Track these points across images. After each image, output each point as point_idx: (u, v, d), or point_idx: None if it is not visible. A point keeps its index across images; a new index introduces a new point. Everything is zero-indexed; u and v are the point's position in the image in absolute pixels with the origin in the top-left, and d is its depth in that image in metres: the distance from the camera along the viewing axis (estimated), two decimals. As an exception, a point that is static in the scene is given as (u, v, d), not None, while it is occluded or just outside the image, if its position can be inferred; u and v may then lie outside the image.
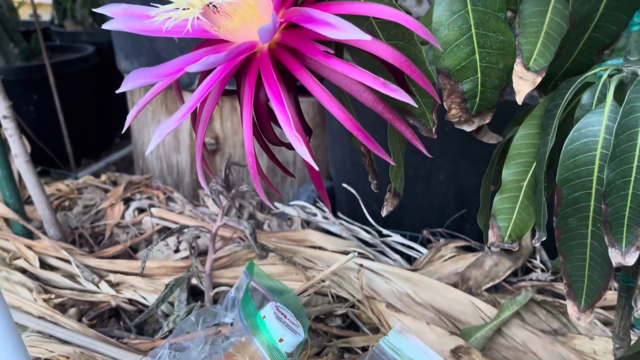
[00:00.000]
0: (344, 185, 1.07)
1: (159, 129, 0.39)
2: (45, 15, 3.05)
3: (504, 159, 0.49)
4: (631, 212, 0.39)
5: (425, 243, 0.98)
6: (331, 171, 1.37)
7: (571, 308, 0.45)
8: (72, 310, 0.80)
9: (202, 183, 0.42)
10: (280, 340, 0.56)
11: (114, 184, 1.18)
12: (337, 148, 1.25)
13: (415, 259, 0.94)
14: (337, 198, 1.27)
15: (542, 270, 0.87)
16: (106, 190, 1.14)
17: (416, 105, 0.39)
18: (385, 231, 0.99)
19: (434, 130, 0.44)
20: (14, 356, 0.52)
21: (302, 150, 0.36)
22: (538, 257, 0.88)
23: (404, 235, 0.99)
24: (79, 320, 0.79)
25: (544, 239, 0.48)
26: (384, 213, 0.56)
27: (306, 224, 1.03)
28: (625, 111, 0.38)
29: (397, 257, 0.93)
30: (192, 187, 1.49)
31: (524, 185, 0.48)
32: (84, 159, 1.99)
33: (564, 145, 0.41)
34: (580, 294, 0.44)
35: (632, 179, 0.38)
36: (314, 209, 1.05)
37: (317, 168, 0.37)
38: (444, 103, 0.44)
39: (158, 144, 0.38)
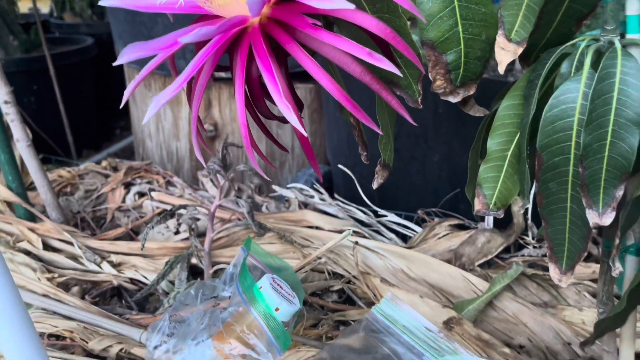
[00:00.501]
0: (340, 166, 1.09)
1: (154, 100, 0.40)
2: (44, 7, 3.06)
3: (490, 130, 0.51)
4: (607, 175, 0.40)
5: (420, 223, 1.00)
6: (329, 156, 1.39)
7: (553, 271, 0.47)
8: (75, 289, 0.82)
9: (198, 155, 0.43)
10: (276, 309, 0.58)
11: (115, 169, 1.20)
12: (334, 133, 1.27)
13: (410, 237, 0.96)
14: (335, 182, 1.29)
15: (534, 247, 0.88)
16: (107, 176, 1.16)
17: (402, 75, 0.41)
18: (381, 211, 1.01)
19: (419, 100, 0.46)
20: (22, 332, 0.53)
21: (291, 117, 0.38)
22: (530, 233, 0.90)
23: (399, 215, 1.01)
24: (82, 298, 0.81)
25: (527, 206, 0.50)
26: (374, 186, 0.57)
27: (304, 205, 1.05)
28: (601, 77, 0.39)
29: (392, 236, 0.95)
30: (191, 173, 1.51)
31: (508, 155, 0.50)
32: (85, 150, 2.01)
33: (544, 112, 0.43)
34: (562, 256, 0.46)
35: (608, 142, 0.40)
36: (312, 192, 1.07)
37: (306, 134, 0.39)
38: (429, 74, 0.45)
39: (153, 114, 0.40)
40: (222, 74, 1.35)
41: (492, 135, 0.50)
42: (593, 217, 0.41)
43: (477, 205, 0.51)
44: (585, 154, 0.40)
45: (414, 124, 0.43)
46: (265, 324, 0.57)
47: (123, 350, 0.66)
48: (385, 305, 0.57)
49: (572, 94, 0.42)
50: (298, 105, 0.49)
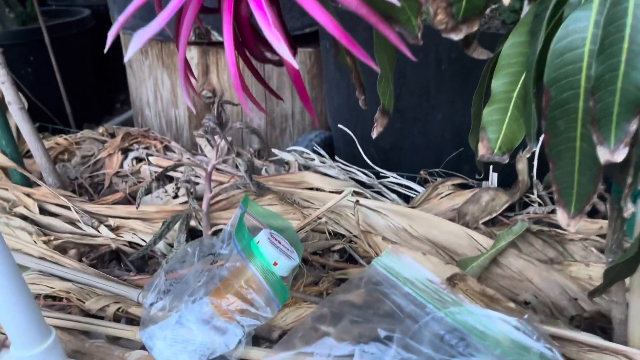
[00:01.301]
0: (340, 126, 1.07)
1: (137, 35, 0.38)
2: (40, -21, 2.99)
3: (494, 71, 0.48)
4: (620, 108, 0.38)
5: (422, 184, 0.98)
6: (329, 121, 1.36)
7: (561, 215, 0.45)
8: (72, 252, 0.81)
9: (188, 101, 0.41)
10: (275, 264, 0.57)
11: (112, 136, 1.18)
12: (334, 96, 1.24)
13: (412, 198, 0.94)
14: (336, 146, 1.27)
15: (540, 205, 0.86)
16: (104, 142, 1.14)
17: (399, 4, 0.39)
18: (383, 172, 0.98)
19: (419, 36, 0.43)
20: (14, 292, 0.52)
21: (281, 48, 0.35)
22: (535, 191, 0.87)
23: (401, 177, 0.99)
24: (79, 261, 0.79)
25: (534, 149, 0.47)
26: (374, 134, 0.55)
27: (304, 168, 1.03)
28: (613, 2, 0.37)
29: (394, 197, 0.93)
30: (191, 141, 1.49)
31: (513, 96, 0.47)
32: (85, 123, 1.99)
33: (552, 44, 0.40)
34: (570, 200, 0.44)
35: (621, 72, 0.37)
36: (312, 155, 1.05)
37: (296, 66, 0.37)
38: (430, 7, 0.43)
39: (136, 51, 0.38)
40: (220, 38, 1.32)
41: (496, 75, 0.47)
42: (604, 154, 0.39)
43: (481, 150, 0.48)
44: (596, 86, 0.38)
45: (413, 59, 0.40)
46: (264, 278, 0.56)
47: (120, 310, 0.65)
48: (386, 258, 0.55)
49: (582, 23, 0.39)
50: (291, 45, 0.46)
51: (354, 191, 0.87)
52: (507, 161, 0.48)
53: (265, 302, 0.56)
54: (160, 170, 1.03)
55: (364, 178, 0.97)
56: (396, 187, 0.96)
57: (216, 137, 0.74)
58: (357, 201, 0.80)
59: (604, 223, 0.78)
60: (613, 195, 0.51)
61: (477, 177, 0.94)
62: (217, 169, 1.03)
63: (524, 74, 0.46)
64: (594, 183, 0.42)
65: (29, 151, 1.16)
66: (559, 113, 0.42)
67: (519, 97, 0.47)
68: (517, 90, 0.47)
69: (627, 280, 0.56)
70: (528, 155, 0.49)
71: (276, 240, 0.59)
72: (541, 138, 0.48)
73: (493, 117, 0.48)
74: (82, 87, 1.99)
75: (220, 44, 1.37)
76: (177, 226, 0.80)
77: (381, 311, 0.52)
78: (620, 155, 0.38)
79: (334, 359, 0.47)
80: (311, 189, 0.93)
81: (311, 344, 0.48)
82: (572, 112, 0.41)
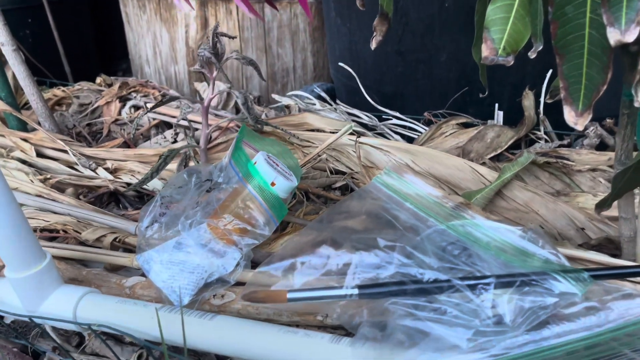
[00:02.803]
0: (341, 64, 1.04)
1: None
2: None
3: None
4: (632, -16, 0.36)
5: (427, 125, 0.96)
6: (331, 71, 1.33)
7: (568, 114, 0.43)
8: (70, 190, 0.80)
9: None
10: (272, 184, 0.55)
11: (110, 86, 1.16)
12: (336, 44, 1.21)
13: (416, 139, 0.92)
14: (337, 96, 1.24)
15: (546, 141, 0.84)
16: (102, 92, 1.12)
17: None
18: (386, 113, 0.96)
19: None
20: (5, 213, 0.51)
21: None
22: (542, 128, 0.85)
23: (404, 120, 0.96)
24: (77, 199, 0.78)
25: (540, 48, 0.45)
26: (373, 45, 0.53)
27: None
28: None
29: (398, 138, 0.92)
30: (191, 96, 1.47)
31: (519, -8, 0.45)
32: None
33: None
34: (578, 96, 0.42)
35: (634, -58, 0.35)
36: (314, 99, 1.03)
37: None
38: None
39: None
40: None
41: (501, -30, 0.45)
42: (615, 35, 0.36)
43: (485, 52, 0.46)
44: (607, -39, 0.36)
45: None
46: (261, 197, 0.54)
47: (117, 240, 0.64)
48: (387, 176, 0.54)
49: None
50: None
51: (355, 130, 0.85)
52: (511, 62, 0.46)
53: (263, 221, 0.54)
54: (159, 117, 1.01)
55: (366, 120, 0.95)
56: (399, 130, 0.94)
57: (212, 67, 0.72)
58: (359, 135, 0.78)
59: (612, 154, 0.75)
60: (622, 100, 0.48)
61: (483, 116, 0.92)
62: (216, 115, 1.01)
63: (531, -34, 0.44)
64: (603, 73, 0.40)
65: (26, 103, 1.15)
66: (567, -3, 0.40)
67: (525, -7, 0.44)
68: (523, -15, 0.44)
69: (637, 196, 0.54)
70: (534, 56, 0.46)
71: (273, 162, 0.57)
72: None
73: (497, 15, 0.45)
74: (83, 53, 1.97)
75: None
76: (175, 167, 0.78)
77: (381, 225, 0.50)
78: (631, 35, 0.36)
79: (333, 266, 0.45)
80: (312, 130, 0.91)
81: (306, 253, 0.46)
82: (581, -5, 0.39)
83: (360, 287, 0.44)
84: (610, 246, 0.65)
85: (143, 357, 0.57)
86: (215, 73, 0.73)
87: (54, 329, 0.59)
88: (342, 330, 0.53)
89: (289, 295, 0.45)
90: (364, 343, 0.43)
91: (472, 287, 0.43)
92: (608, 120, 0.84)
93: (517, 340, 0.39)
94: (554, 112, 0.89)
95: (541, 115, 0.85)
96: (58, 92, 1.14)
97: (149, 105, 1.02)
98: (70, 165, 0.87)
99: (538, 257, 0.44)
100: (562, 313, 0.40)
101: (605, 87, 0.41)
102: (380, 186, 0.53)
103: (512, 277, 0.43)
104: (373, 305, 0.45)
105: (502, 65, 0.45)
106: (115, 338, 0.58)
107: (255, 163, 0.56)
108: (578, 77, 0.42)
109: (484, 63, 0.47)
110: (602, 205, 0.51)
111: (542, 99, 0.87)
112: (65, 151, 0.87)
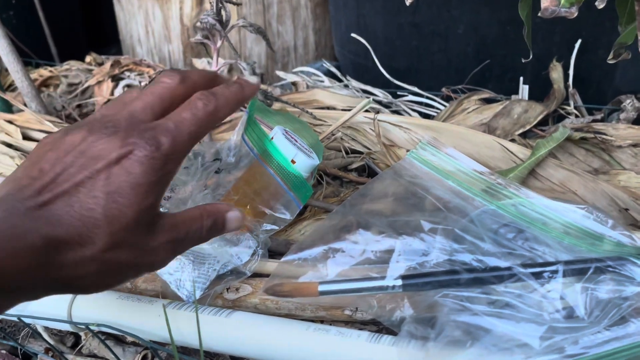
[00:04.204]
0: (354, 35, 0.97)
1: None
2: None
3: None
4: None
5: (446, 101, 0.89)
6: (336, 49, 1.26)
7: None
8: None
9: None
10: (293, 161, 0.49)
11: (101, 66, 1.08)
12: (341, 18, 1.14)
13: (434, 117, 0.86)
14: (344, 74, 1.17)
15: (576, 116, 0.78)
16: (93, 71, 1.05)
17: None
18: (402, 88, 0.90)
19: None
20: None
21: None
22: (572, 102, 0.79)
23: (420, 96, 0.90)
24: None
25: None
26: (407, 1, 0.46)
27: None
28: None
29: (415, 115, 0.85)
30: (187, 78, 1.39)
31: None
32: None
33: None
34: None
35: None
36: (322, 76, 0.96)
37: None
38: None
39: None
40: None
41: None
42: None
43: (545, 1, 0.40)
44: None
45: None
46: (281, 176, 0.48)
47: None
48: (422, 150, 0.47)
49: None
50: None
51: (371, 107, 0.79)
52: (575, 15, 0.40)
53: (283, 203, 0.48)
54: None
55: (380, 97, 0.88)
56: (415, 107, 0.88)
57: (216, 36, 0.65)
58: (378, 111, 0.71)
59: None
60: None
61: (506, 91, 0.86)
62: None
63: None
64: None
65: (11, 84, 1.07)
66: None
67: None
68: None
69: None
70: (602, 6, 0.40)
71: (292, 137, 0.51)
72: None
73: (562, -43, 0.39)
74: (71, 35, 1.87)
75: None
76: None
77: (420, 207, 0.44)
78: None
79: (371, 254, 0.39)
80: (322, 108, 0.84)
81: (339, 239, 0.40)
82: None
83: (404, 277, 0.38)
84: (660, 228, 0.59)
85: (148, 359, 0.51)
86: (219, 43, 0.66)
87: (46, 328, 0.52)
88: (373, 325, 0.47)
89: (321, 288, 0.39)
90: (409, 342, 0.37)
91: (536, 275, 0.37)
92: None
93: (597, 337, 0.33)
94: (584, 85, 0.83)
95: (570, 88, 0.79)
96: (45, 72, 1.06)
97: (144, 84, 0.95)
98: (60, 149, 0.79)
99: (608, 240, 0.38)
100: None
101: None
102: (415, 162, 0.47)
103: (583, 264, 0.37)
104: (418, 299, 0.39)
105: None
106: (116, 338, 0.52)
107: (272, 139, 0.49)
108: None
109: (542, 15, 0.41)
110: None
111: (570, 71, 0.81)
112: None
